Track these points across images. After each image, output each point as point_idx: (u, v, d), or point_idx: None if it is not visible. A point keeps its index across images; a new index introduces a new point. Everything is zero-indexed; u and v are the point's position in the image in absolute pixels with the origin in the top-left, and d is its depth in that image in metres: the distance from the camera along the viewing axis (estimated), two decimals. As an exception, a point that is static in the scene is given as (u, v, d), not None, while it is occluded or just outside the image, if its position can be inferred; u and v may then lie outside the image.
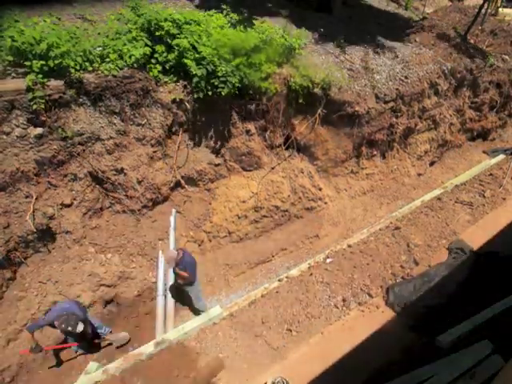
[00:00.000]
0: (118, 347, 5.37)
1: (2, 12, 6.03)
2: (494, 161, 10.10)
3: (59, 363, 5.11)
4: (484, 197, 8.43)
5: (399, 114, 8.68)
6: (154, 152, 6.51)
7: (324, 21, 9.49)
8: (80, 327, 4.49)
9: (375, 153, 8.95)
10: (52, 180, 5.61)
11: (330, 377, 4.67)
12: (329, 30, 9.09)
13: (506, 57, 10.84)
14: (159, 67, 6.31)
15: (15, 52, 5.25)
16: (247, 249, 7.12)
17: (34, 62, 5.17)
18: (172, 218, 6.59)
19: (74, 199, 5.84)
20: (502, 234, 7.22)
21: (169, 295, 5.85)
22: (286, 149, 7.97)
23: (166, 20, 6.17)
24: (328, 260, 6.71)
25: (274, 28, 7.52)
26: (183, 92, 6.46)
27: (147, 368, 4.73)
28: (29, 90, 5.14)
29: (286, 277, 6.46)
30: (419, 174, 9.70)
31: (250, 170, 7.53)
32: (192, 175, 7.05)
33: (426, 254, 6.77)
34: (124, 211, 6.46)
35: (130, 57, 5.91)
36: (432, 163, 10.12)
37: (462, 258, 6.56)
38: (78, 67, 5.54)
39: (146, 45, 6.04)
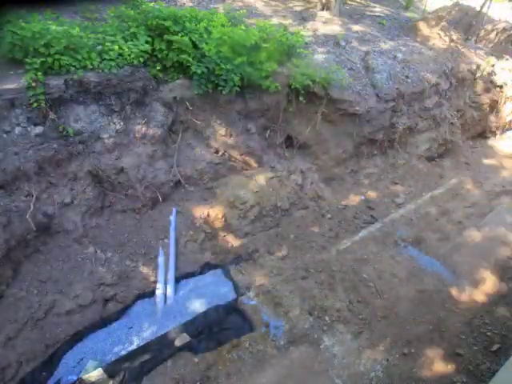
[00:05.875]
0: None
1: (2, 9, 6.00)
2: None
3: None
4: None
5: (400, 114, 8.67)
6: (155, 151, 6.50)
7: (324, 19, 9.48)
8: None
9: (376, 152, 8.95)
10: (52, 179, 5.60)
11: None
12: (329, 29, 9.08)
13: (507, 56, 10.84)
14: (160, 65, 6.29)
15: (15, 49, 5.23)
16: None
17: (34, 59, 5.16)
18: (172, 218, 6.58)
19: (75, 198, 5.83)
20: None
21: (169, 294, 5.84)
22: (287, 148, 7.98)
23: (166, 18, 6.15)
24: None
25: (274, 26, 7.51)
26: (184, 90, 6.45)
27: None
28: (29, 88, 5.13)
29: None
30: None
31: (250, 170, 7.52)
32: (192, 174, 7.05)
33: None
34: (124, 210, 6.46)
35: (130, 54, 5.90)
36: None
37: None
38: (78, 65, 5.53)
39: (147, 42, 6.02)
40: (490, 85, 10.51)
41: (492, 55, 10.44)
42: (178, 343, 5.02)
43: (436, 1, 13.97)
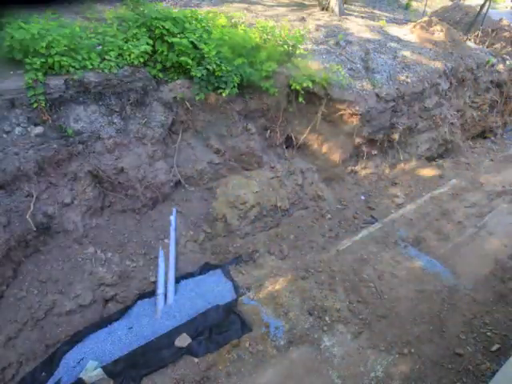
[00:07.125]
0: None
1: (2, 9, 6.01)
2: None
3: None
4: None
5: (400, 114, 8.67)
6: (155, 151, 6.50)
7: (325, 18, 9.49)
8: None
9: (376, 152, 8.94)
10: (52, 179, 5.60)
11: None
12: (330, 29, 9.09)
13: (507, 56, 10.84)
14: (160, 65, 6.29)
15: (15, 50, 5.23)
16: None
17: (34, 59, 5.16)
18: (172, 218, 6.58)
19: (75, 198, 5.83)
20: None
21: (169, 294, 5.85)
22: (287, 148, 7.97)
23: (166, 18, 6.15)
24: None
25: (275, 26, 7.51)
26: (184, 91, 6.45)
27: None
28: (29, 88, 5.13)
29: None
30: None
31: (250, 170, 7.52)
32: (192, 174, 7.05)
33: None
34: (124, 210, 6.45)
35: (130, 55, 5.90)
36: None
37: None
38: (78, 65, 5.53)
39: (147, 43, 6.02)
40: (490, 85, 10.51)
41: (492, 55, 10.44)
42: (178, 344, 5.02)
43: (436, 1, 13.97)
